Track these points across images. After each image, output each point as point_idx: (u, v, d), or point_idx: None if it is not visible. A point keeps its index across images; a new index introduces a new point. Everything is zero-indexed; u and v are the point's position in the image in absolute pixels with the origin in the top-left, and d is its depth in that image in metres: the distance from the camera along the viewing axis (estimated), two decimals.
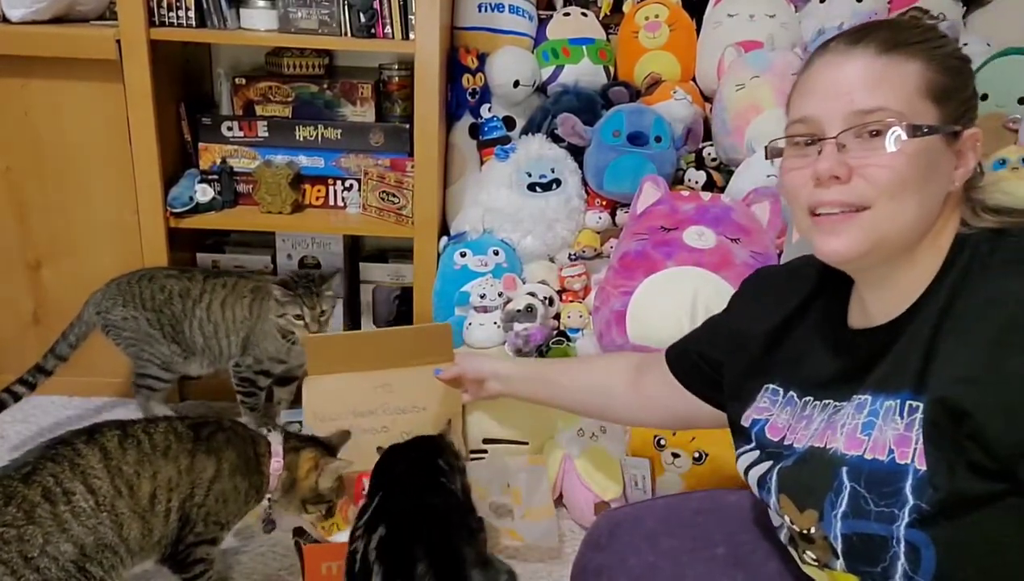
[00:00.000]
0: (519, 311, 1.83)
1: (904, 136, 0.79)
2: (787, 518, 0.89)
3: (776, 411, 0.95)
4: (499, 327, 1.86)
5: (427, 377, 1.59)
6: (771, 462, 0.93)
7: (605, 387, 1.30)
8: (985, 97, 1.91)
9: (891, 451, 0.78)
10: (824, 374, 0.90)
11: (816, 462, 0.85)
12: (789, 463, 0.89)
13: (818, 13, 2.07)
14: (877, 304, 0.86)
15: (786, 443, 0.92)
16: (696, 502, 1.10)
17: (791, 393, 0.94)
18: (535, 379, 1.47)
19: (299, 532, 1.48)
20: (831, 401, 0.88)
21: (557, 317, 1.90)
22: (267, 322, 1.82)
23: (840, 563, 0.83)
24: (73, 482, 1.19)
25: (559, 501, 1.71)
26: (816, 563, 0.88)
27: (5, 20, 1.86)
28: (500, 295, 1.89)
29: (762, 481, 0.93)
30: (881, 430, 0.80)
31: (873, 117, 0.80)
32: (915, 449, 0.77)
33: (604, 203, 2.02)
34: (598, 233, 2.01)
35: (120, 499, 1.22)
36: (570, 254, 1.98)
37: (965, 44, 2.01)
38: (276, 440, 1.42)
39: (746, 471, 0.97)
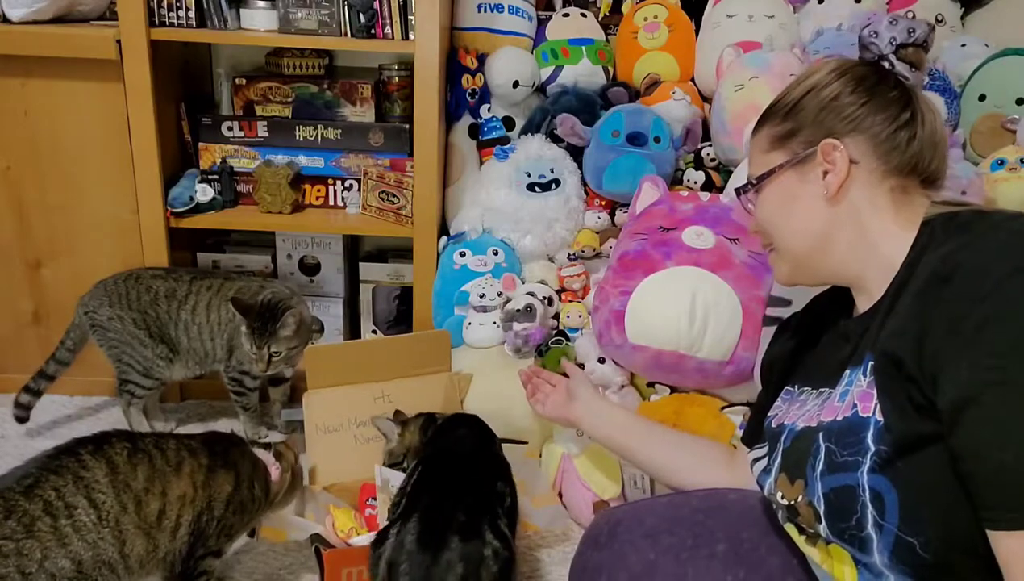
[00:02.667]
0: (518, 311, 1.83)
1: (753, 188, 1.04)
2: (779, 495, 0.97)
3: (781, 405, 1.06)
4: (498, 327, 1.86)
5: (426, 386, 1.60)
6: (770, 447, 1.02)
7: (708, 483, 1.22)
8: (983, 98, 1.92)
9: (855, 406, 0.87)
10: (821, 367, 1.01)
11: (803, 439, 0.95)
12: (788, 444, 0.98)
13: (817, 14, 2.07)
14: (863, 299, 0.98)
15: (779, 424, 1.02)
16: (696, 500, 1.11)
17: (793, 388, 1.06)
18: (628, 432, 1.37)
19: (317, 538, 1.46)
20: (826, 389, 0.97)
21: (556, 317, 1.91)
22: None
23: (823, 527, 0.89)
24: (76, 496, 1.15)
25: (559, 500, 1.71)
26: (807, 534, 0.95)
27: (5, 20, 1.86)
28: (499, 295, 1.89)
29: (766, 468, 1.01)
30: (851, 394, 0.89)
31: (748, 184, 1.05)
32: (874, 404, 0.85)
33: (603, 203, 2.03)
34: (597, 233, 2.01)
35: (125, 515, 1.19)
36: (569, 254, 1.98)
37: (964, 44, 2.02)
38: (262, 452, 1.44)
39: (753, 464, 1.07)
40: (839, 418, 0.89)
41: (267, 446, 1.46)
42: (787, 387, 1.08)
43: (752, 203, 1.06)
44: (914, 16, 2.03)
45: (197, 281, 1.87)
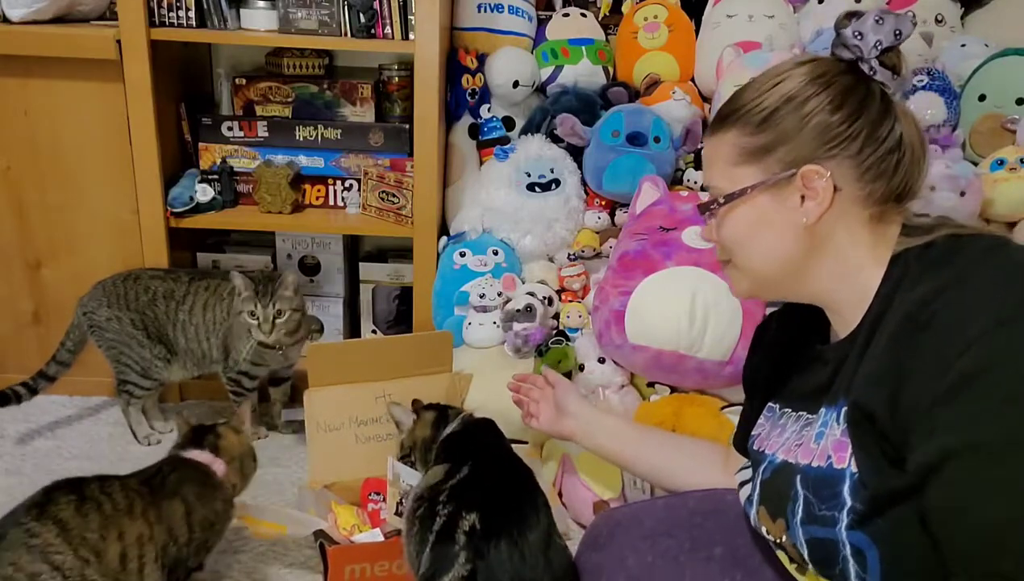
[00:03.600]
0: (518, 311, 1.83)
1: (721, 206, 0.93)
2: (764, 529, 0.94)
3: (764, 423, 1.02)
4: (498, 327, 1.87)
5: (427, 386, 1.59)
6: (752, 471, 0.98)
7: (704, 484, 1.20)
8: (983, 98, 1.92)
9: (829, 456, 0.83)
10: (800, 388, 0.97)
11: (783, 474, 0.91)
12: (767, 475, 0.94)
13: (817, 14, 2.07)
14: (837, 321, 0.93)
15: (760, 450, 0.98)
16: (694, 502, 1.10)
17: (775, 406, 1.01)
18: (622, 439, 1.33)
19: (321, 534, 1.45)
20: (804, 413, 0.93)
21: (556, 317, 1.91)
22: (239, 322, 1.81)
23: (811, 568, 0.87)
24: (35, 564, 1.13)
25: (558, 500, 1.71)
26: (796, 563, 0.93)
27: (5, 20, 1.86)
28: (499, 295, 1.89)
29: (749, 495, 0.98)
30: (826, 438, 0.85)
31: (708, 194, 0.96)
32: (849, 455, 0.81)
33: (603, 203, 2.03)
34: (597, 233, 2.01)
35: (88, 567, 1.16)
36: (569, 254, 1.98)
37: (964, 44, 2.02)
38: (197, 453, 1.40)
39: (740, 487, 1.02)
40: (815, 464, 0.86)
41: (200, 442, 1.41)
42: (769, 404, 1.03)
43: (714, 217, 0.95)
44: (914, 17, 2.04)
45: (195, 281, 1.87)
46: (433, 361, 1.66)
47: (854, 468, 0.80)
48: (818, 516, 0.83)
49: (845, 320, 0.90)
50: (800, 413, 0.94)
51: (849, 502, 0.80)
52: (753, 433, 1.03)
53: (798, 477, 0.87)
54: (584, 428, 1.37)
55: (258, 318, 1.74)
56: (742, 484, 1.02)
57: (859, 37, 0.88)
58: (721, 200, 0.92)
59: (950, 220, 0.89)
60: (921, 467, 0.74)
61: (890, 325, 0.79)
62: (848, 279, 0.88)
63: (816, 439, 0.87)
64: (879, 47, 0.87)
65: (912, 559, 0.77)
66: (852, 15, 0.89)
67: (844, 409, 0.83)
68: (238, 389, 1.90)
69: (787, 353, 1.02)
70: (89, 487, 1.23)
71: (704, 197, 1.01)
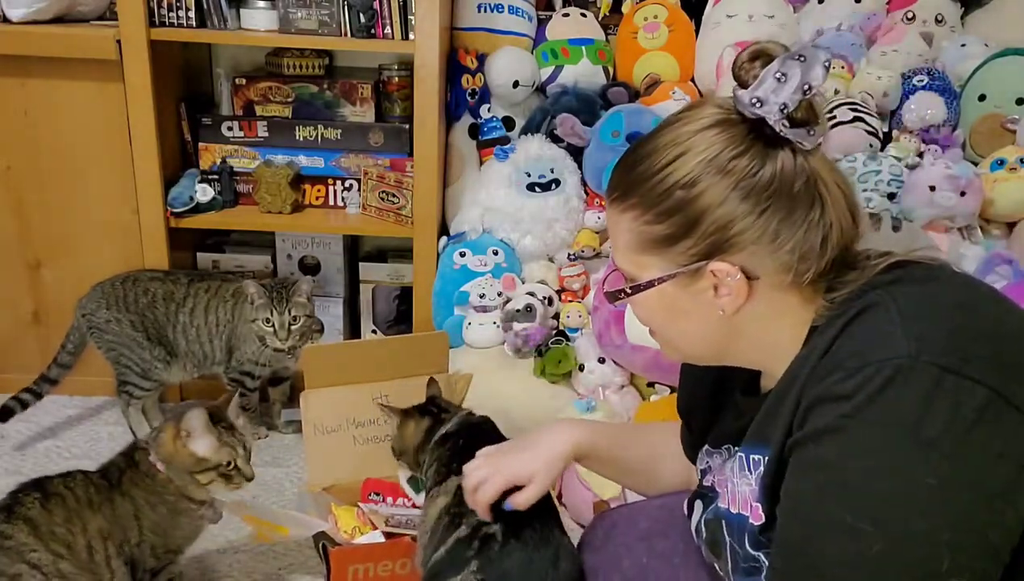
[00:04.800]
0: (518, 311, 1.83)
1: (628, 294, 0.83)
2: (715, 564, 0.92)
3: (705, 458, 0.98)
4: (498, 327, 1.87)
5: (424, 386, 1.58)
6: (703, 505, 0.94)
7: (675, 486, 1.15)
8: (983, 98, 1.92)
9: (740, 507, 0.82)
10: (732, 429, 0.91)
11: (716, 521, 0.88)
12: (709, 516, 0.91)
13: (817, 14, 2.07)
14: (766, 378, 0.87)
15: (709, 484, 0.94)
16: None
17: (707, 446, 0.97)
18: (609, 461, 1.15)
19: (322, 536, 1.45)
20: (728, 445, 0.90)
21: (556, 317, 1.91)
22: (246, 324, 1.82)
23: None
24: (13, 565, 1.15)
25: (558, 500, 1.71)
26: None
27: (5, 20, 1.86)
28: (499, 295, 1.89)
29: (698, 529, 0.95)
30: (739, 485, 0.83)
31: (615, 289, 0.85)
32: (759, 503, 0.78)
33: (603, 203, 2.02)
34: (597, 233, 2.01)
35: (63, 561, 1.18)
36: (569, 254, 1.98)
37: (964, 44, 2.02)
38: (144, 438, 1.36)
39: (689, 516, 0.97)
40: (734, 511, 0.84)
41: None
42: (707, 446, 0.97)
43: (626, 302, 0.86)
44: (914, 17, 2.04)
45: (195, 283, 1.87)
46: (430, 362, 1.65)
47: (762, 516, 0.78)
48: (742, 567, 0.82)
49: (765, 377, 0.86)
50: (735, 447, 0.89)
51: (763, 551, 0.79)
52: (701, 466, 0.98)
53: (724, 525, 0.86)
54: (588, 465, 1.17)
55: (274, 325, 1.77)
56: (693, 507, 0.97)
57: (758, 104, 0.74)
58: (628, 290, 0.83)
59: (889, 253, 0.80)
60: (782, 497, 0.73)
61: (802, 374, 0.74)
62: (774, 352, 0.81)
63: (734, 483, 0.85)
64: (784, 110, 0.73)
65: None
66: (755, 56, 0.76)
67: (762, 466, 0.78)
68: (240, 389, 1.90)
69: (713, 398, 0.97)
70: (52, 483, 1.25)
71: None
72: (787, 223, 0.75)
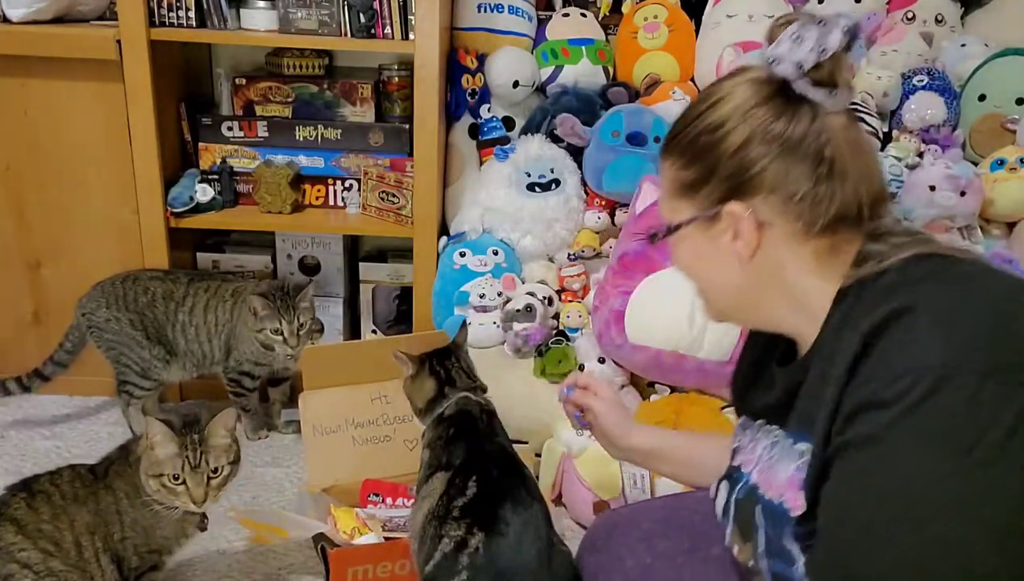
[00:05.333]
0: (518, 311, 1.83)
1: (662, 240, 0.91)
2: (736, 549, 0.91)
3: (742, 435, 0.98)
4: (498, 327, 1.87)
5: None
6: (729, 486, 0.94)
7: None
8: (983, 98, 1.92)
9: (782, 495, 0.82)
10: (759, 404, 0.93)
11: (750, 500, 0.88)
12: (740, 495, 0.91)
13: (816, 14, 2.07)
14: (800, 344, 0.88)
15: (736, 464, 0.94)
16: (693, 502, 1.10)
17: (744, 418, 0.98)
18: (680, 462, 1.19)
19: (322, 537, 1.45)
20: (775, 427, 0.89)
21: (556, 317, 1.90)
22: (245, 326, 1.82)
23: None
24: (5, 566, 1.16)
25: (559, 500, 1.71)
26: None
27: (5, 20, 1.87)
28: (499, 295, 1.89)
29: (725, 509, 0.95)
30: (784, 471, 0.83)
31: (653, 229, 0.93)
32: (799, 494, 0.79)
33: (603, 203, 2.03)
34: (597, 233, 2.01)
35: (52, 559, 1.19)
36: (569, 254, 1.98)
37: (964, 44, 2.02)
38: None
39: (714, 499, 0.98)
40: (770, 498, 0.84)
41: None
42: (743, 418, 0.99)
43: (669, 248, 0.93)
44: (914, 17, 2.04)
45: (195, 283, 1.87)
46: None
47: (803, 506, 0.78)
48: (776, 551, 0.82)
49: (807, 342, 0.86)
50: (770, 427, 0.90)
51: (798, 544, 0.79)
52: (734, 445, 0.99)
53: (759, 508, 0.86)
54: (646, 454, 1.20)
55: (283, 334, 1.77)
56: (718, 492, 0.98)
57: (776, 63, 0.79)
58: (663, 232, 0.90)
59: (922, 235, 0.83)
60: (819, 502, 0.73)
61: (836, 370, 0.74)
62: (802, 308, 0.83)
63: (775, 467, 0.85)
64: (802, 68, 0.78)
65: None
66: (787, 22, 0.81)
67: (800, 447, 0.80)
68: (239, 389, 1.90)
69: (755, 366, 0.98)
70: (39, 481, 1.26)
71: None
72: (798, 174, 0.79)
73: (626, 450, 1.17)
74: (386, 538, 1.48)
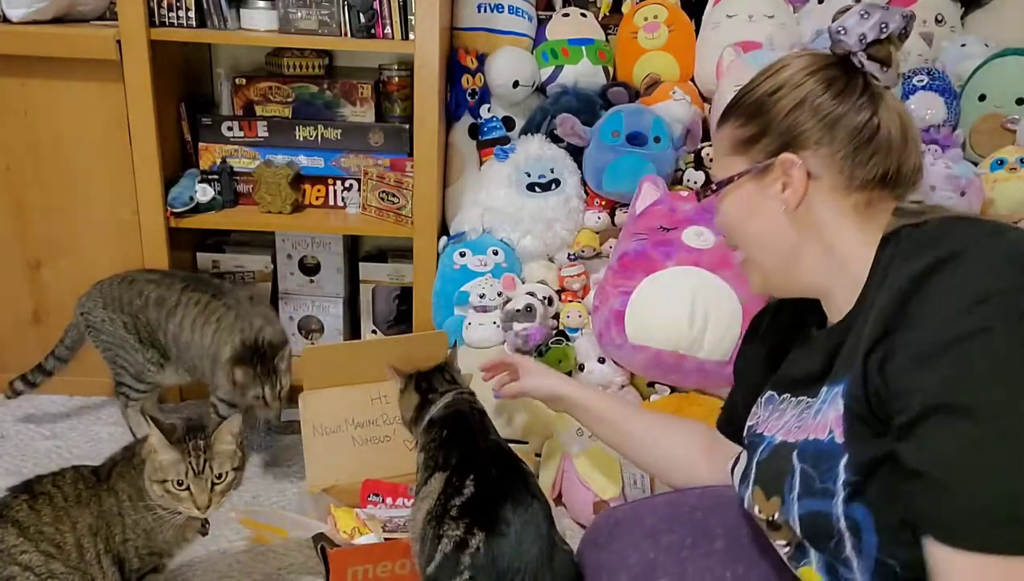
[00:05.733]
0: (518, 311, 1.83)
1: (711, 196, 1.01)
2: (756, 508, 0.94)
3: (760, 412, 1.03)
4: (498, 327, 1.86)
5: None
6: (748, 454, 0.99)
7: (687, 463, 1.24)
8: (983, 98, 1.92)
9: (831, 431, 0.85)
10: (794, 374, 0.99)
11: (780, 452, 0.92)
12: (764, 455, 0.95)
13: (816, 14, 2.07)
14: (831, 308, 0.95)
15: (758, 432, 0.99)
16: (694, 498, 1.10)
17: (772, 393, 1.02)
18: (606, 421, 1.36)
19: (321, 537, 1.44)
20: (804, 398, 0.94)
21: (556, 317, 1.91)
22: (223, 353, 1.71)
23: (807, 542, 0.88)
24: (6, 568, 1.16)
25: (558, 500, 1.71)
26: (788, 552, 0.92)
27: (5, 20, 1.86)
28: (499, 295, 1.89)
29: (744, 476, 0.99)
30: (825, 414, 0.86)
31: (708, 188, 1.03)
32: (846, 427, 0.82)
33: (603, 203, 2.03)
34: (597, 233, 2.01)
35: (54, 561, 1.19)
36: (569, 254, 1.98)
37: (964, 44, 2.02)
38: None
39: (732, 470, 1.03)
40: (812, 438, 0.87)
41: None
42: (769, 392, 1.04)
43: (716, 207, 1.02)
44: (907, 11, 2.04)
45: (188, 291, 1.79)
46: (429, 361, 1.65)
47: (844, 441, 0.82)
48: (816, 489, 0.84)
49: (839, 307, 0.92)
50: (800, 398, 0.95)
51: (844, 475, 0.81)
52: (750, 422, 1.05)
53: (795, 453, 0.89)
54: (571, 411, 1.42)
55: (265, 398, 1.65)
56: (735, 465, 1.03)
57: (842, 32, 0.91)
58: (713, 187, 1.00)
59: (945, 209, 0.92)
60: (911, 419, 0.74)
61: (882, 303, 0.80)
62: (839, 266, 0.91)
63: (815, 415, 0.88)
64: (864, 41, 0.90)
65: (908, 526, 0.77)
66: (844, 10, 0.92)
67: (846, 386, 0.84)
68: (214, 414, 1.81)
69: (782, 341, 1.05)
70: (41, 483, 1.26)
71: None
72: (846, 129, 0.90)
73: (542, 386, 1.42)
74: (386, 538, 1.48)
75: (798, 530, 0.87)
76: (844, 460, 0.82)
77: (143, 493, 1.27)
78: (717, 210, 1.02)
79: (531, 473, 1.28)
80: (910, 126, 0.93)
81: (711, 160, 2.03)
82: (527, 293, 1.88)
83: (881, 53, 0.91)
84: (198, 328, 1.77)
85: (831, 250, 0.92)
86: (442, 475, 1.24)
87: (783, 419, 0.96)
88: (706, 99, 2.10)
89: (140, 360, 1.83)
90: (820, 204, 0.92)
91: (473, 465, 1.24)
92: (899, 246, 0.86)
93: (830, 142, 0.90)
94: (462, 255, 1.95)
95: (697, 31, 2.15)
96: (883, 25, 0.90)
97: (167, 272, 1.92)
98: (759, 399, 1.05)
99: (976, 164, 1.86)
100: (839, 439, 0.83)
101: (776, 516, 0.90)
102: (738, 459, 1.02)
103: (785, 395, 0.99)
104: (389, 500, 1.61)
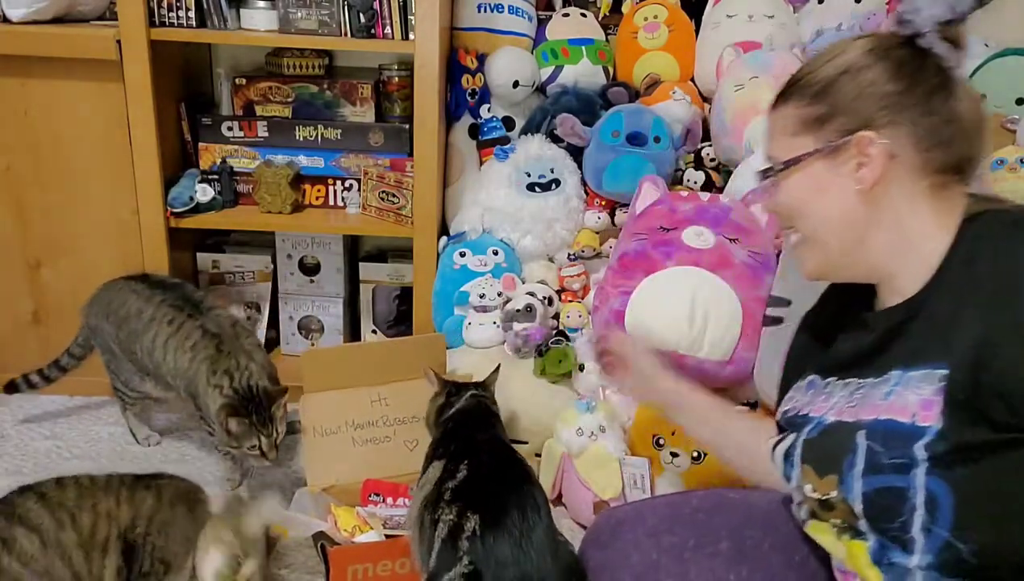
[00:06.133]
0: (518, 311, 1.83)
1: (776, 176, 0.97)
2: (809, 487, 0.93)
3: (799, 396, 1.03)
4: (498, 327, 1.87)
5: (422, 389, 1.57)
6: (794, 434, 0.98)
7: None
8: (983, 97, 1.92)
9: (913, 414, 0.83)
10: (845, 356, 0.97)
11: (837, 432, 0.91)
12: (813, 434, 0.95)
13: (817, 14, 2.07)
14: (890, 289, 0.93)
15: (803, 414, 0.99)
16: (698, 500, 1.11)
17: (814, 378, 1.02)
18: (709, 423, 1.25)
19: (322, 536, 1.44)
20: (854, 379, 0.94)
21: (556, 317, 1.90)
22: (207, 392, 1.61)
23: (863, 523, 0.87)
24: (11, 528, 1.19)
25: (558, 500, 1.71)
26: (837, 528, 0.92)
27: (5, 20, 1.86)
28: (499, 295, 1.89)
29: (788, 454, 0.98)
30: (902, 396, 0.85)
31: (766, 166, 0.99)
32: (939, 413, 0.81)
33: (603, 203, 2.03)
34: (597, 233, 2.01)
35: (63, 532, 1.21)
36: (569, 254, 1.98)
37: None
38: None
39: (773, 449, 1.02)
40: (885, 418, 0.86)
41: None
42: (811, 378, 1.03)
43: (774, 187, 0.99)
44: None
45: (164, 306, 1.69)
46: (428, 364, 1.65)
47: (941, 425, 0.81)
48: (887, 464, 0.84)
49: (900, 289, 0.91)
50: (849, 380, 0.94)
51: (927, 453, 0.81)
52: (785, 408, 1.04)
53: (861, 432, 0.87)
54: (671, 403, 1.29)
55: (261, 449, 1.56)
56: (776, 444, 1.02)
57: (914, 12, 0.89)
58: (780, 165, 0.96)
59: (1008, 199, 0.93)
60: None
61: (981, 295, 0.81)
62: (909, 248, 0.90)
63: (886, 397, 0.87)
64: (935, 21, 0.88)
65: (988, 510, 0.78)
66: None
67: (943, 372, 0.82)
68: (210, 429, 1.73)
69: (829, 331, 1.04)
70: (75, 476, 1.30)
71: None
72: (925, 109, 0.89)
73: (656, 391, 1.28)
74: (387, 536, 1.48)
75: (859, 508, 0.86)
76: (924, 441, 0.81)
77: (189, 503, 1.33)
78: (776, 191, 0.98)
79: (528, 464, 1.29)
80: (983, 112, 0.93)
81: (712, 160, 2.03)
82: (527, 293, 1.88)
83: (952, 33, 0.90)
84: (171, 350, 1.67)
85: (902, 231, 0.90)
86: (440, 463, 1.27)
87: (831, 400, 0.95)
88: (706, 99, 2.10)
89: (125, 368, 1.78)
90: (896, 184, 0.90)
91: (468, 453, 1.26)
92: (987, 227, 0.86)
93: (910, 120, 0.89)
94: (462, 255, 1.95)
95: (697, 31, 2.15)
96: (954, 7, 0.88)
97: (156, 281, 1.80)
98: (796, 386, 1.05)
99: None
100: (924, 422, 0.82)
101: (833, 494, 0.90)
102: (779, 442, 1.01)
103: (830, 379, 0.98)
104: (390, 500, 1.61)
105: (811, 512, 0.95)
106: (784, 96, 0.97)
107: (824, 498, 0.91)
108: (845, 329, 1.00)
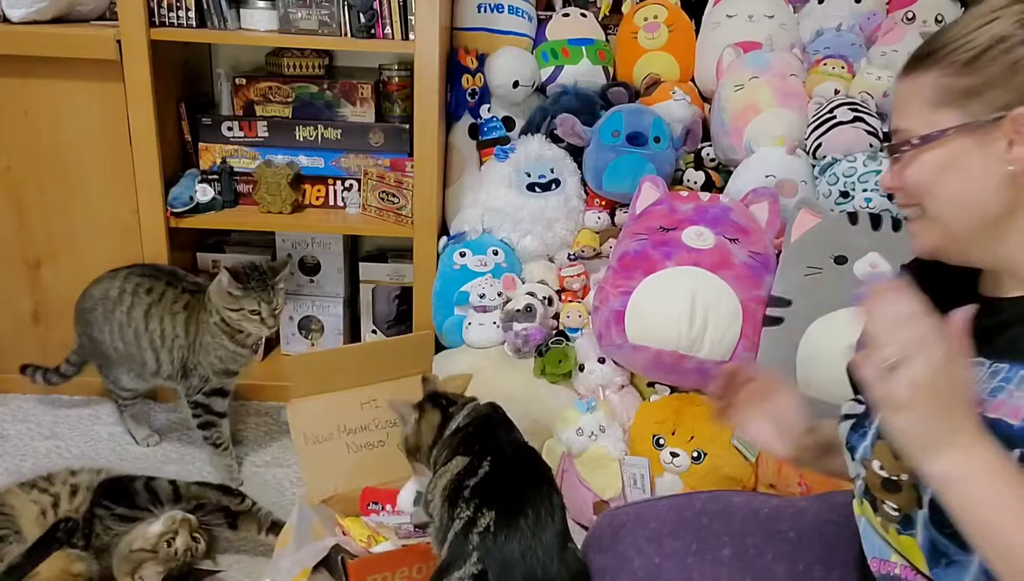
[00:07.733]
0: (518, 311, 1.83)
1: (911, 151, 0.86)
2: (876, 464, 0.88)
3: None
4: (498, 327, 1.87)
5: (411, 387, 1.53)
6: (869, 407, 0.91)
7: None
8: None
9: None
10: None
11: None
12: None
13: (817, 14, 2.07)
14: (1011, 280, 0.87)
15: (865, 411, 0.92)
16: (701, 503, 1.09)
17: None
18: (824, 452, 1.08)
19: (339, 549, 1.41)
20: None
21: (556, 317, 1.90)
22: (206, 335, 1.70)
23: (923, 513, 0.82)
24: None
25: None
26: (893, 515, 0.87)
27: (5, 20, 1.86)
28: (499, 295, 1.89)
29: (858, 425, 0.91)
30: (1012, 395, 0.80)
31: (896, 138, 0.88)
32: None
33: (603, 203, 2.03)
34: (597, 233, 2.01)
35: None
36: (569, 254, 1.98)
37: None
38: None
39: (843, 418, 0.95)
40: (995, 417, 0.79)
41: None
42: None
43: (900, 160, 0.89)
44: (914, 17, 2.05)
45: (132, 278, 1.75)
46: (414, 363, 1.64)
47: None
48: None
49: (1015, 276, 0.85)
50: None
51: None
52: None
53: None
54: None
55: (261, 314, 1.67)
56: (847, 416, 0.95)
57: None
58: (915, 140, 0.86)
59: None
60: None
61: None
62: None
63: (992, 393, 0.82)
64: None
65: None
66: None
67: None
68: (209, 416, 1.77)
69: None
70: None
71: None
72: None
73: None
74: (403, 544, 1.47)
75: (926, 499, 0.81)
76: None
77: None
78: (907, 165, 0.89)
79: (548, 468, 1.27)
80: None
81: (712, 160, 2.03)
82: (527, 293, 1.88)
83: None
84: (155, 318, 1.70)
85: None
86: (463, 459, 1.24)
87: None
88: (706, 99, 2.10)
89: (114, 366, 1.80)
90: None
91: (492, 451, 1.24)
92: None
93: None
94: (462, 255, 1.95)
95: (697, 31, 2.15)
96: None
97: (122, 268, 1.84)
98: None
99: None
100: None
101: (903, 477, 0.85)
102: (850, 415, 0.94)
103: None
104: (389, 507, 1.59)
105: (865, 490, 0.89)
106: (924, 62, 0.86)
107: (892, 478, 0.86)
108: (972, 302, 0.89)
